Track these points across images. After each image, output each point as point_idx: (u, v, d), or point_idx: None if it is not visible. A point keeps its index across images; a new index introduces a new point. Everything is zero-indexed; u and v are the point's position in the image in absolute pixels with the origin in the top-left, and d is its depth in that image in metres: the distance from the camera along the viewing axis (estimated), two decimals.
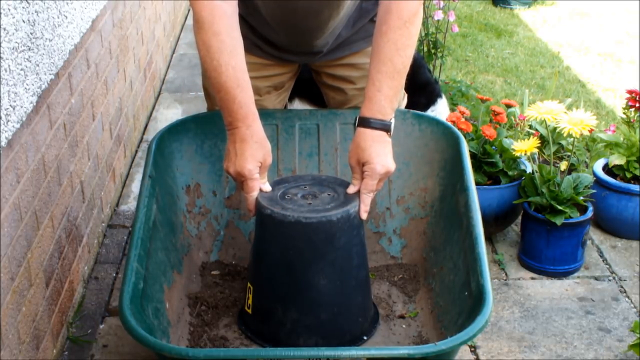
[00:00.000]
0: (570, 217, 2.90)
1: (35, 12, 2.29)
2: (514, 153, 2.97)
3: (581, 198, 2.93)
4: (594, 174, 3.19)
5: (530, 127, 3.48)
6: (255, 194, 2.04)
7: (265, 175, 2.07)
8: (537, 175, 2.96)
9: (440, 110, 3.80)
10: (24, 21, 2.18)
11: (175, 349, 1.72)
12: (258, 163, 2.01)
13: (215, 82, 2.00)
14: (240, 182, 2.05)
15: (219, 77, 1.98)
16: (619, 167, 3.19)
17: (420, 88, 3.74)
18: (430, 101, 3.77)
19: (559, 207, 2.88)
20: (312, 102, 3.39)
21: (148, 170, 2.16)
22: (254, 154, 2.00)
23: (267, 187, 2.07)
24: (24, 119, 2.17)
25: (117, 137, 3.37)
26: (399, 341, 2.12)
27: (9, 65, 2.06)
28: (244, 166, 2.00)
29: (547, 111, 2.87)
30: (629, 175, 3.16)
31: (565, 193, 2.90)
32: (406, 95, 2.58)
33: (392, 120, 2.03)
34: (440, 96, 3.78)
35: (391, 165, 2.03)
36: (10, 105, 2.06)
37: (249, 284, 2.12)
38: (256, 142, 2.01)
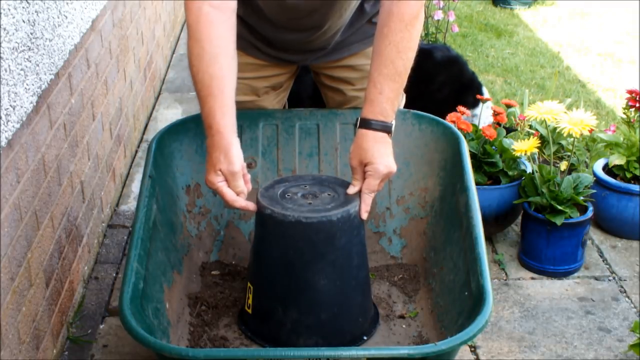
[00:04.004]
0: (570, 217, 2.89)
1: (35, 12, 2.29)
2: (514, 153, 2.97)
3: (581, 198, 2.93)
4: (594, 174, 3.18)
5: (530, 127, 3.48)
6: (234, 202, 1.99)
7: (238, 185, 1.98)
8: (537, 175, 2.95)
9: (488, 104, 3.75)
10: (24, 21, 2.18)
11: (175, 349, 1.72)
12: (218, 173, 1.97)
13: (194, 87, 2.01)
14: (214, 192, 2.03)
15: (195, 84, 2.00)
16: (619, 167, 3.19)
17: (467, 86, 3.71)
18: (476, 99, 3.67)
19: (559, 207, 2.88)
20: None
21: (148, 170, 2.16)
22: (214, 163, 1.97)
23: (241, 202, 1.99)
24: (24, 119, 2.17)
25: (117, 137, 3.37)
26: (399, 341, 2.12)
27: (9, 65, 2.06)
28: (206, 177, 1.99)
29: (547, 111, 2.87)
30: (629, 175, 3.16)
31: (565, 193, 2.90)
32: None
33: (393, 122, 2.03)
34: (482, 90, 3.75)
35: (393, 166, 2.03)
36: (10, 105, 2.06)
37: (249, 284, 2.11)
38: (218, 152, 1.96)
